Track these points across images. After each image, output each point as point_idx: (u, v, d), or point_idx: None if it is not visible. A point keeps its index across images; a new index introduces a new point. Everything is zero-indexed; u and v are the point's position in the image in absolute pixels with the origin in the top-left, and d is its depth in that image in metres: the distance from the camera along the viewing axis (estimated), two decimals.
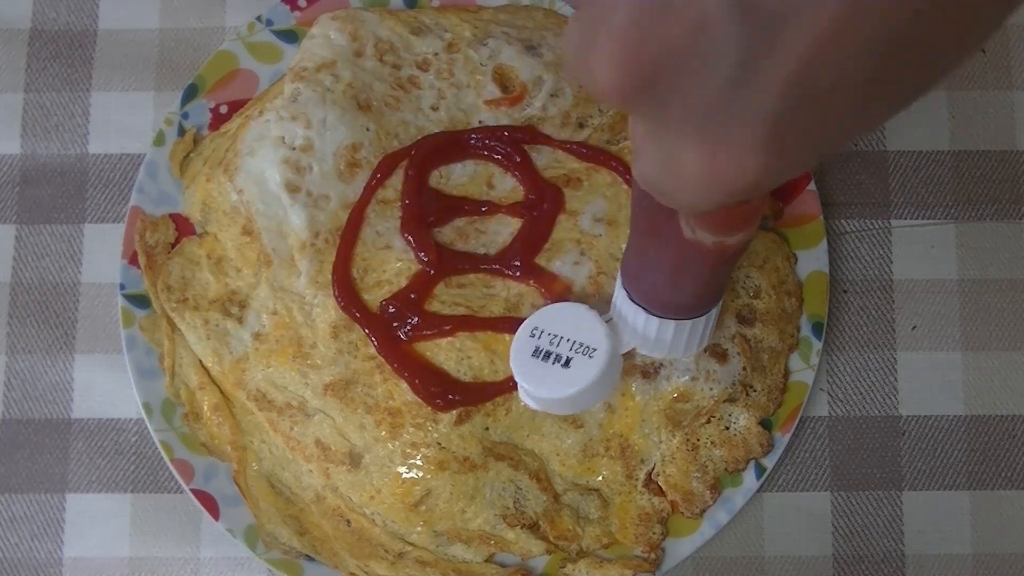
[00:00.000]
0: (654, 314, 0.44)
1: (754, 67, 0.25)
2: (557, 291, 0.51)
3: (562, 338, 0.46)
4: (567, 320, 0.47)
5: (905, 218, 0.56)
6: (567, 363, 0.46)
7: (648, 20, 0.26)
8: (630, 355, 0.48)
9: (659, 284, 0.43)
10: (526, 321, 0.47)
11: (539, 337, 0.47)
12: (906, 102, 0.28)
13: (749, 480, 0.52)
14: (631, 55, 0.26)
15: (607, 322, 0.47)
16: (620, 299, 0.46)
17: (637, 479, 0.51)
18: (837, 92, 0.26)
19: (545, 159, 0.53)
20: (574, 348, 0.46)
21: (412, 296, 0.51)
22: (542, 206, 0.52)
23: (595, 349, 0.46)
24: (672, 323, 0.45)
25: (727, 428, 0.52)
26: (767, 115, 0.26)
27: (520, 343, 0.47)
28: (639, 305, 0.44)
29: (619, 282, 0.45)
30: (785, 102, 0.26)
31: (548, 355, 0.46)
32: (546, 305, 0.49)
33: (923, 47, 0.26)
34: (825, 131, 0.27)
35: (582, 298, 0.51)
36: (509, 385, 0.50)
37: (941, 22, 0.25)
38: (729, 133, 0.27)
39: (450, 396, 0.50)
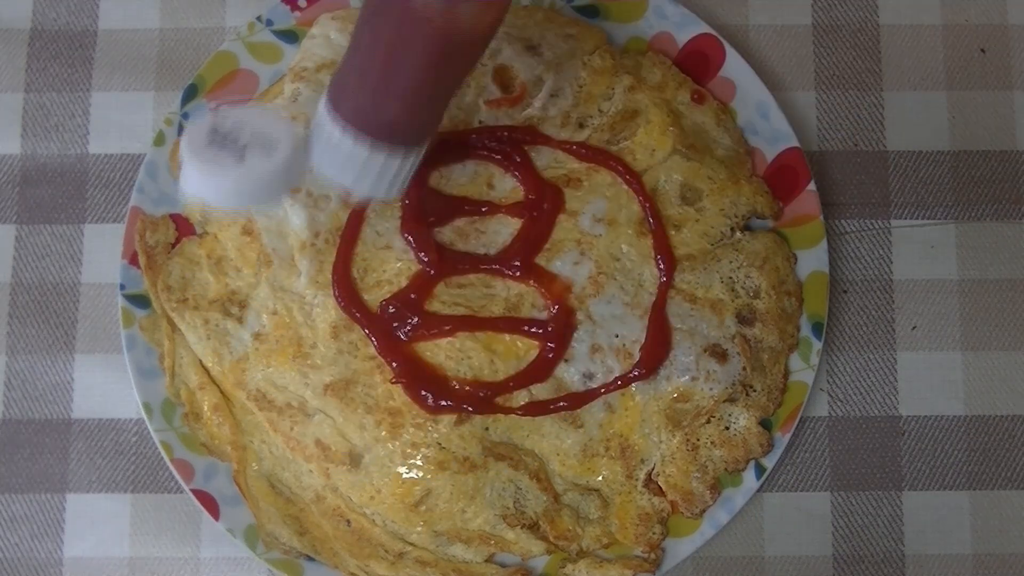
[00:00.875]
0: (350, 131, 0.41)
1: None
2: (557, 291, 0.51)
3: (247, 125, 0.43)
4: (258, 115, 0.43)
5: (905, 218, 0.56)
6: (243, 150, 0.42)
7: None
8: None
9: (366, 84, 0.39)
10: (214, 103, 0.43)
11: (224, 118, 0.43)
12: None
13: (749, 480, 0.52)
14: None
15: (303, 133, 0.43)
16: (322, 110, 0.42)
17: (637, 479, 0.51)
18: None
19: (545, 159, 0.53)
20: (256, 139, 0.42)
21: (412, 296, 0.51)
22: (542, 206, 0.52)
23: (276, 146, 0.42)
24: (367, 147, 0.41)
25: (727, 428, 0.52)
26: None
27: (197, 122, 0.43)
28: (337, 117, 0.41)
29: (323, 97, 0.42)
30: None
31: (226, 137, 0.42)
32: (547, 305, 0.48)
33: None
34: None
35: (582, 298, 0.51)
36: (508, 386, 0.50)
37: None
38: None
39: (442, 402, 0.50)
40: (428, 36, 0.35)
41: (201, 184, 0.42)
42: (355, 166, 0.42)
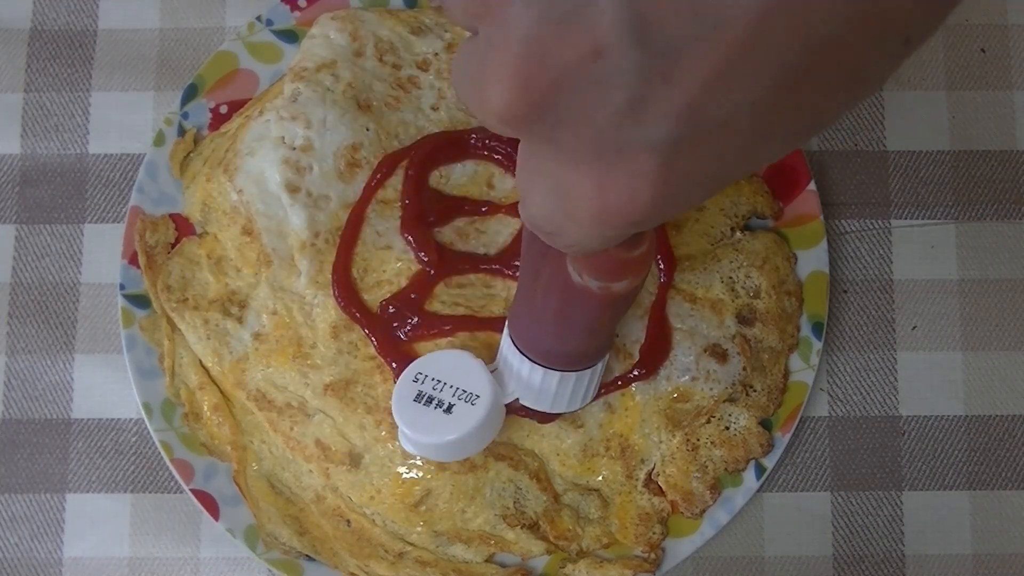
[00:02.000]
0: (539, 364, 0.44)
1: (649, 95, 0.25)
2: None
3: (445, 384, 0.46)
4: (451, 367, 0.47)
5: (905, 218, 0.56)
6: (449, 409, 0.46)
7: (544, 44, 0.25)
8: (514, 405, 0.47)
9: (545, 333, 0.43)
10: (410, 366, 0.47)
11: (422, 382, 0.46)
12: (796, 141, 0.28)
13: (749, 480, 0.52)
14: (525, 79, 0.26)
15: (492, 371, 0.46)
16: (506, 347, 0.45)
17: (637, 479, 0.51)
18: (730, 125, 0.26)
19: None
20: (457, 394, 0.46)
21: (412, 296, 0.51)
22: None
23: (478, 396, 0.46)
24: (557, 374, 0.44)
25: (727, 428, 0.52)
26: (660, 145, 0.26)
27: (403, 387, 0.47)
28: (524, 355, 0.44)
29: (506, 331, 0.45)
30: (679, 132, 0.26)
31: (430, 400, 0.46)
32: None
33: (816, 85, 0.26)
34: (716, 164, 0.27)
35: None
36: None
37: (834, 64, 0.26)
38: (621, 162, 0.27)
39: None
40: (590, 302, 0.38)
41: (416, 444, 0.46)
42: (549, 392, 0.45)
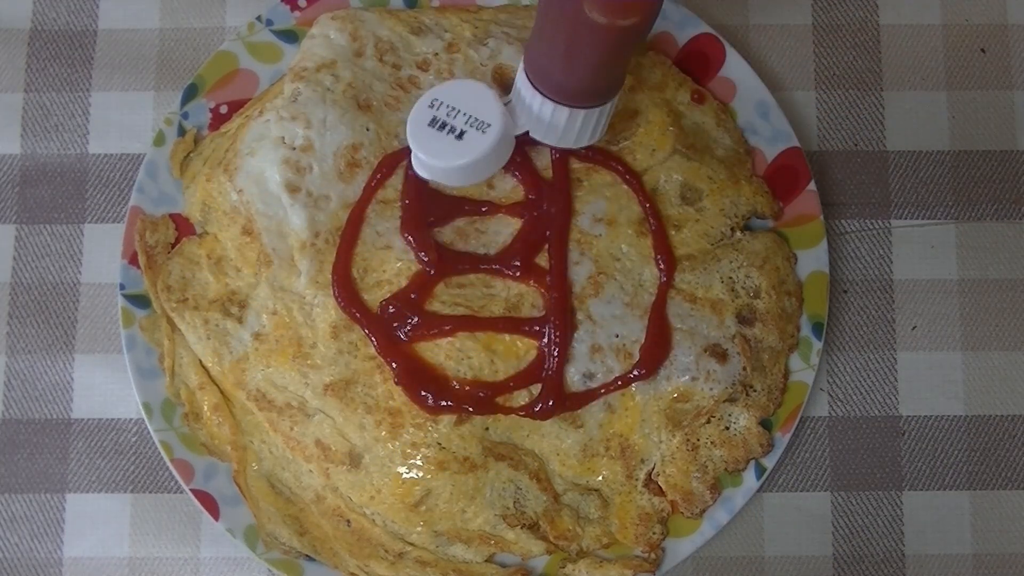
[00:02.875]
0: (550, 98, 0.46)
1: None
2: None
3: (459, 111, 0.48)
4: (466, 95, 0.48)
5: (905, 218, 0.56)
6: (461, 135, 0.48)
7: None
8: (524, 137, 0.49)
9: (555, 65, 0.44)
10: (426, 93, 0.49)
11: (437, 108, 0.48)
12: None
13: (749, 480, 0.52)
14: None
15: (505, 104, 0.48)
16: (520, 81, 0.47)
17: (637, 479, 0.51)
18: None
19: (545, 159, 0.53)
20: (469, 122, 0.48)
21: (412, 296, 0.51)
22: (542, 206, 0.52)
23: (489, 125, 0.48)
24: (566, 110, 0.46)
25: (727, 428, 0.52)
26: None
27: (418, 112, 0.48)
28: (537, 88, 0.46)
29: (521, 64, 0.47)
30: None
31: (444, 126, 0.48)
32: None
33: None
34: None
35: (582, 299, 0.51)
36: (508, 386, 0.50)
37: None
38: None
39: (442, 402, 0.50)
40: (597, 37, 0.41)
41: (429, 168, 0.48)
42: (558, 127, 0.47)
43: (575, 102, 0.46)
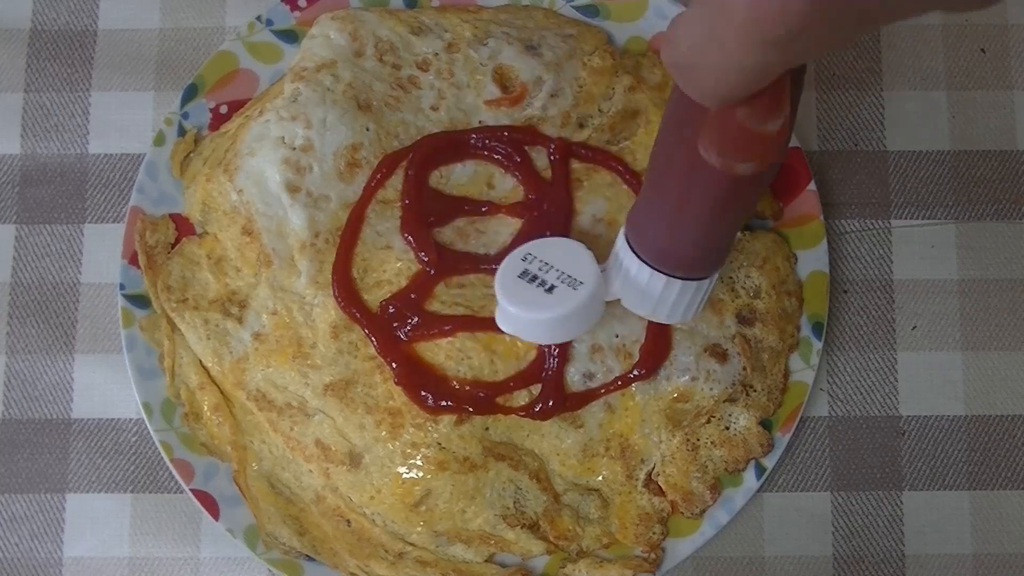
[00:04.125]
0: (648, 264, 0.44)
1: None
2: None
3: (552, 267, 0.47)
4: (562, 252, 0.47)
5: (905, 218, 0.56)
6: (551, 289, 0.46)
7: None
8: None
9: (661, 227, 0.43)
10: (522, 246, 0.48)
11: (530, 262, 0.47)
12: None
13: (749, 480, 0.52)
14: None
15: (601, 269, 0.47)
16: (620, 245, 0.46)
17: (637, 479, 0.51)
18: None
19: (545, 159, 0.53)
20: (561, 278, 0.46)
21: (412, 296, 0.51)
22: (542, 206, 0.52)
23: (581, 283, 0.46)
24: (664, 278, 0.45)
25: (727, 428, 0.52)
26: None
27: (510, 263, 0.47)
28: (636, 253, 0.45)
29: (622, 230, 0.46)
30: None
31: (534, 279, 0.47)
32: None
33: None
34: None
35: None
36: (508, 386, 0.50)
37: None
38: None
39: (442, 402, 0.50)
40: (712, 183, 0.38)
41: (513, 321, 0.46)
42: (653, 297, 0.45)
43: (674, 270, 0.44)
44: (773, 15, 0.29)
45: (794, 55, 0.31)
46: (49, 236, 0.56)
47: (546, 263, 0.47)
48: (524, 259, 0.47)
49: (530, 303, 0.46)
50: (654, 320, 0.48)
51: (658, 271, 0.44)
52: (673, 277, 0.44)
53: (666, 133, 0.40)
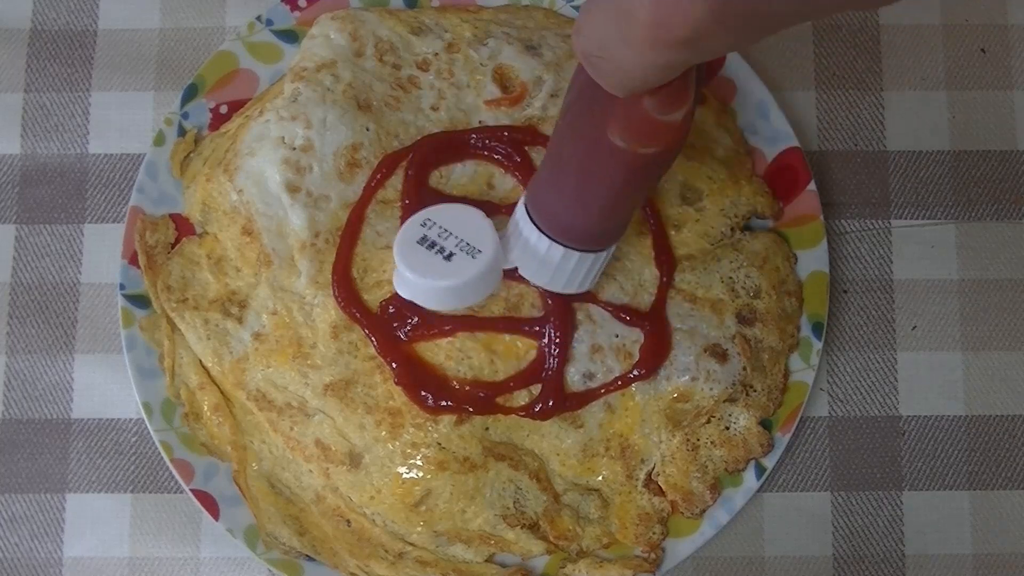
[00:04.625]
0: (547, 235, 0.44)
1: None
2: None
3: (451, 234, 0.47)
4: (461, 220, 0.47)
5: (905, 218, 0.56)
6: (449, 257, 0.46)
7: None
8: (510, 273, 0.48)
9: (563, 200, 0.43)
10: (421, 212, 0.48)
11: (429, 227, 0.47)
12: None
13: (749, 480, 0.52)
14: None
15: (500, 235, 0.47)
16: (519, 214, 0.46)
17: (637, 479, 0.51)
18: None
19: None
20: (460, 245, 0.46)
21: None
22: None
23: (480, 251, 0.46)
24: (562, 249, 0.45)
25: (727, 428, 0.52)
26: None
27: (409, 227, 0.47)
28: (535, 224, 0.45)
29: (521, 199, 0.46)
30: None
31: (433, 245, 0.47)
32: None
33: None
34: None
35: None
36: (509, 386, 0.50)
37: None
38: None
39: (442, 403, 0.50)
40: (617, 162, 0.39)
41: (412, 287, 0.47)
42: (550, 268, 0.46)
43: (575, 243, 0.45)
44: (675, 20, 0.30)
45: (698, 54, 0.32)
46: (49, 236, 0.56)
47: (445, 229, 0.47)
48: (423, 224, 0.47)
49: (429, 270, 0.46)
50: (551, 290, 0.48)
51: (557, 242, 0.44)
52: (572, 249, 0.45)
53: (571, 113, 0.40)
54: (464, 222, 0.47)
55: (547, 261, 0.45)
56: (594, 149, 0.39)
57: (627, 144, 0.38)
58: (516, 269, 0.47)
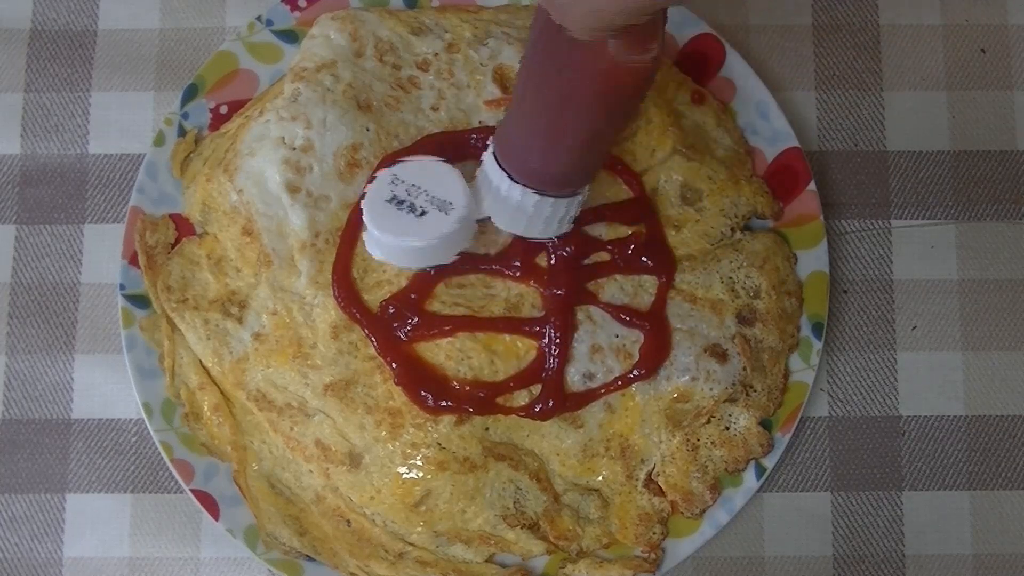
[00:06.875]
0: (519, 183, 0.44)
1: None
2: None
3: (420, 189, 0.46)
4: (428, 174, 0.46)
5: (905, 218, 0.56)
6: (421, 214, 0.45)
7: None
8: (485, 224, 0.47)
9: (534, 145, 0.42)
10: (387, 168, 0.46)
11: (397, 185, 0.46)
12: None
13: (749, 480, 0.52)
14: None
15: (469, 185, 0.46)
16: (488, 164, 0.45)
17: (637, 479, 0.51)
18: None
19: None
20: (431, 201, 0.45)
21: (412, 296, 0.51)
22: None
23: (451, 206, 0.45)
24: (535, 196, 0.44)
25: (727, 428, 0.52)
26: None
27: (376, 188, 0.46)
28: (506, 172, 0.44)
29: (489, 148, 0.45)
30: None
31: (403, 203, 0.45)
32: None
33: None
34: None
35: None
36: (509, 386, 0.50)
37: None
38: None
39: (442, 403, 0.50)
40: (584, 113, 0.38)
41: (385, 248, 0.46)
42: (524, 215, 0.45)
43: (547, 188, 0.44)
44: None
45: None
46: (49, 236, 0.56)
47: (414, 186, 0.46)
48: (391, 183, 0.46)
49: (401, 230, 0.45)
50: (526, 237, 0.47)
51: (529, 188, 0.44)
52: (544, 194, 0.44)
53: (537, 57, 0.39)
54: (432, 176, 0.46)
55: (521, 208, 0.45)
56: (561, 96, 0.38)
57: (594, 88, 0.37)
58: (490, 220, 0.47)
